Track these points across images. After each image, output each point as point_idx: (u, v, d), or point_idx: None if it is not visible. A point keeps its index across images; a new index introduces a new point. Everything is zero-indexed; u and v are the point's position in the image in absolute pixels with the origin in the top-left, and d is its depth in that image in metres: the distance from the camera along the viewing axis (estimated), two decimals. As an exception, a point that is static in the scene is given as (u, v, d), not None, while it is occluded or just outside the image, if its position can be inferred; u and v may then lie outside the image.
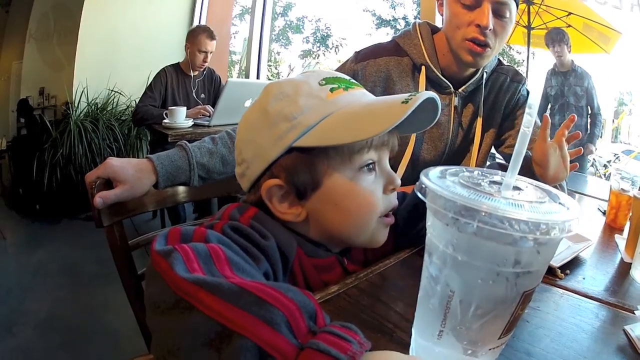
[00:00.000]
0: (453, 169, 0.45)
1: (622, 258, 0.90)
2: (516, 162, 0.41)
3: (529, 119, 0.40)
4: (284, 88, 0.60)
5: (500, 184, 0.42)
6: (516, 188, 0.42)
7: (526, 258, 0.38)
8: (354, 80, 0.65)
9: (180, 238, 0.47)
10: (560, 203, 0.41)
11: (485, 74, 1.18)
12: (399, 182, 0.63)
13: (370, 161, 0.60)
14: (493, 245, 0.37)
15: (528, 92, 1.23)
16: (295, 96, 0.58)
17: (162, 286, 0.39)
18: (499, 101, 1.22)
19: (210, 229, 0.52)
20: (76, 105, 3.44)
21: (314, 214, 0.61)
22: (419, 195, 0.41)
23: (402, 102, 0.54)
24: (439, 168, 0.44)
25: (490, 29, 1.04)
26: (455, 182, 0.41)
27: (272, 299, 0.36)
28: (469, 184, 0.40)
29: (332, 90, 0.59)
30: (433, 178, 0.41)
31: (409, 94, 0.56)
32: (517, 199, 0.38)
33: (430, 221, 0.42)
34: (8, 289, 2.23)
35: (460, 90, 1.18)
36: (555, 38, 3.40)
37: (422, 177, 0.41)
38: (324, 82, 0.60)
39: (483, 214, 0.35)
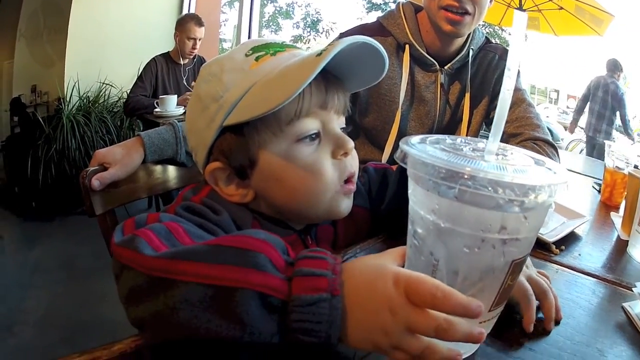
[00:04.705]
0: (434, 137, 0.43)
1: (618, 235, 0.89)
2: (498, 126, 0.40)
3: (509, 81, 0.39)
4: (211, 68, 0.58)
5: (483, 150, 0.41)
6: (500, 154, 0.41)
7: (512, 224, 0.37)
8: (290, 43, 0.60)
9: (135, 226, 0.46)
10: (547, 168, 0.40)
11: (471, 50, 1.18)
12: (350, 145, 0.57)
13: (313, 131, 0.56)
14: (476, 210, 0.35)
15: (519, 72, 1.21)
16: (220, 74, 0.56)
17: (133, 276, 0.39)
18: (487, 79, 1.21)
19: (164, 212, 0.52)
20: (68, 100, 3.40)
21: (261, 192, 0.58)
22: (399, 162, 0.39)
23: (317, 55, 0.49)
24: (420, 136, 0.43)
25: None
26: (436, 148, 0.39)
27: (249, 245, 0.38)
28: (450, 149, 0.39)
29: (257, 58, 0.56)
30: (413, 144, 0.40)
31: (330, 43, 0.50)
32: (501, 163, 0.37)
33: (412, 188, 0.41)
34: (6, 287, 2.21)
35: (446, 67, 1.17)
36: (619, 67, 4.46)
37: (402, 144, 0.39)
38: (250, 52, 0.57)
39: (465, 176, 0.34)
